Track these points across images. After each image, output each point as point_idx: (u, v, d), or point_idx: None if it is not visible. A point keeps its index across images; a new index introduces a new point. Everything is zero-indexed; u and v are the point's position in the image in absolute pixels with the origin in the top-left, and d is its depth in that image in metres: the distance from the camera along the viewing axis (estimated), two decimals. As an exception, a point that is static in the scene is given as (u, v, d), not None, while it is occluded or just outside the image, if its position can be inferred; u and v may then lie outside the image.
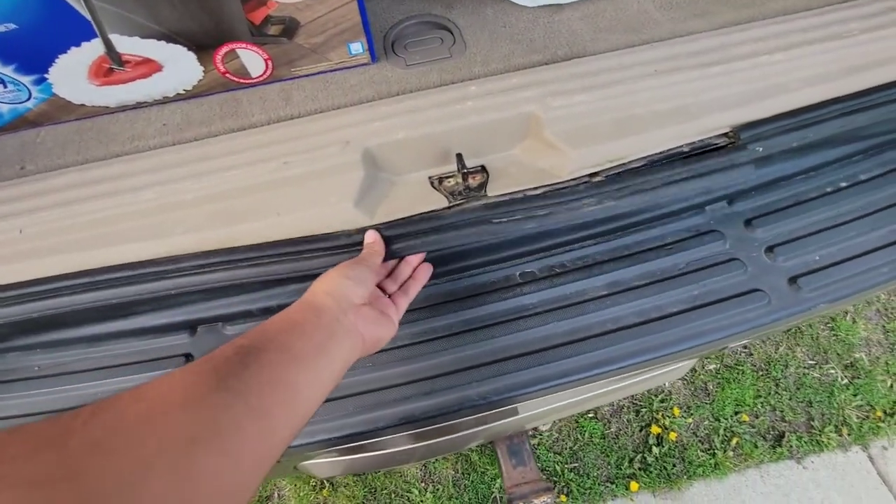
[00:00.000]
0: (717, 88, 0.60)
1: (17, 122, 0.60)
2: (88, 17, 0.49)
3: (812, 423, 1.29)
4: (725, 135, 0.59)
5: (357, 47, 0.61)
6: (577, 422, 1.32)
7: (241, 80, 0.62)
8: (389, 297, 0.52)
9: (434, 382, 0.58)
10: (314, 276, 0.58)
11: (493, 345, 0.60)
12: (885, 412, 1.29)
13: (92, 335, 0.62)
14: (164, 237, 0.56)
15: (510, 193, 0.57)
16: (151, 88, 0.60)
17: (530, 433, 1.30)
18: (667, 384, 1.36)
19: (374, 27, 0.68)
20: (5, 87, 0.55)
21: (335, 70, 0.63)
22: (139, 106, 0.62)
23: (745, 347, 1.40)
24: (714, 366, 1.37)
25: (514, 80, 0.61)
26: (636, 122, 0.59)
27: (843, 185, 0.70)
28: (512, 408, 0.64)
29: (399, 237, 0.56)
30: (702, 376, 1.36)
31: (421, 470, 1.28)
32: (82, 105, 0.60)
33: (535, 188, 0.58)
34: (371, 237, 0.54)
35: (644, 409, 1.32)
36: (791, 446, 1.26)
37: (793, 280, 0.63)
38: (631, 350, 0.60)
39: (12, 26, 0.48)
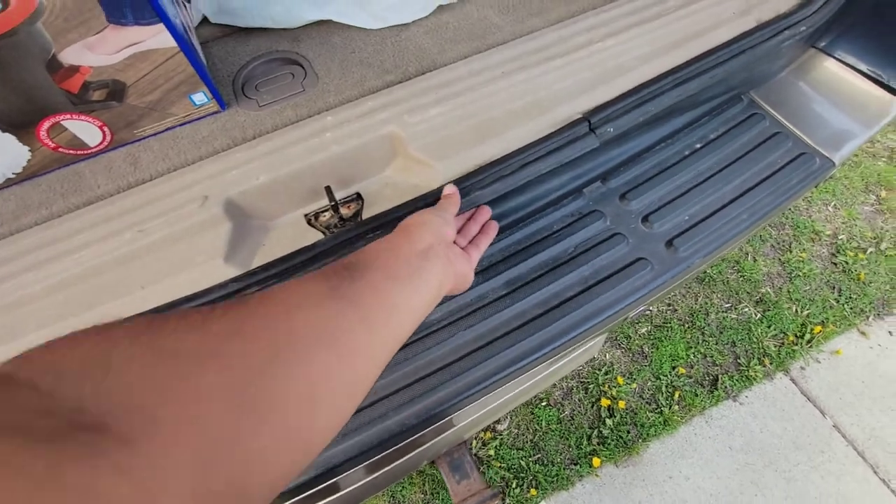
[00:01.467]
0: (563, 79, 0.63)
1: None
2: None
3: (739, 361, 1.39)
4: (579, 122, 0.62)
5: (200, 97, 0.58)
6: (532, 413, 1.34)
7: (79, 152, 0.57)
8: (463, 249, 0.54)
9: (354, 420, 0.56)
10: None
11: (403, 369, 0.59)
12: (796, 336, 1.42)
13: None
14: (15, 339, 0.50)
15: (384, 213, 0.57)
16: (-31, 179, 0.54)
17: (490, 434, 1.31)
18: (606, 356, 1.41)
19: (221, 72, 0.65)
20: None
21: (183, 124, 0.60)
22: (-39, 200, 0.56)
23: (668, 306, 1.49)
24: (646, 329, 1.45)
25: (369, 104, 0.61)
26: (495, 124, 0.61)
27: (698, 146, 0.76)
28: (442, 424, 0.63)
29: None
30: (637, 341, 1.42)
31: (388, 500, 1.24)
32: None
33: (407, 203, 0.57)
34: (450, 189, 0.55)
35: (591, 385, 1.37)
36: (726, 387, 1.35)
37: (669, 243, 0.67)
38: (538, 342, 0.61)
39: None
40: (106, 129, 0.56)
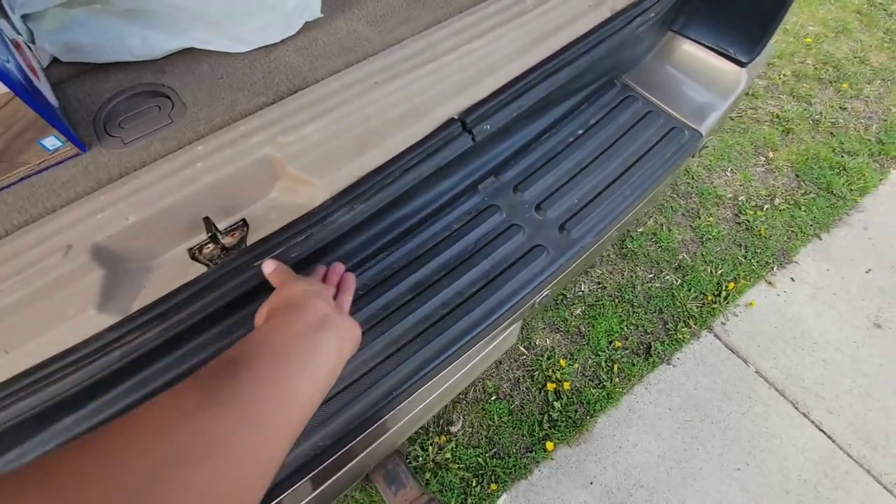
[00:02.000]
0: (436, 84, 0.65)
1: None
2: None
3: (667, 326, 1.47)
4: (452, 123, 0.63)
5: (52, 142, 0.55)
6: (483, 409, 1.35)
7: (-86, 217, 0.52)
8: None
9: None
10: (71, 402, 0.51)
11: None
12: (713, 295, 1.52)
13: None
14: None
15: (269, 237, 0.56)
16: None
17: (445, 437, 1.31)
18: (547, 342, 1.46)
19: (79, 112, 0.62)
20: None
21: (40, 171, 0.56)
22: None
23: (598, 284, 1.55)
24: (580, 309, 1.50)
25: (241, 129, 0.60)
26: (374, 135, 0.61)
27: (580, 132, 0.80)
28: (367, 436, 0.63)
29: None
30: (573, 322, 1.48)
31: (348, 525, 1.21)
32: None
33: (293, 223, 0.57)
34: (273, 265, 0.51)
35: (536, 372, 1.40)
36: (659, 353, 1.43)
37: (562, 228, 0.71)
38: (448, 339, 0.62)
39: None
40: (-57, 187, 0.51)
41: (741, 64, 0.83)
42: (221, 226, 0.58)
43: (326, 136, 0.60)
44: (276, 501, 0.58)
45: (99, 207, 0.54)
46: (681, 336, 1.46)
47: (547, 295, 0.72)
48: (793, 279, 1.57)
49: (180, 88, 0.63)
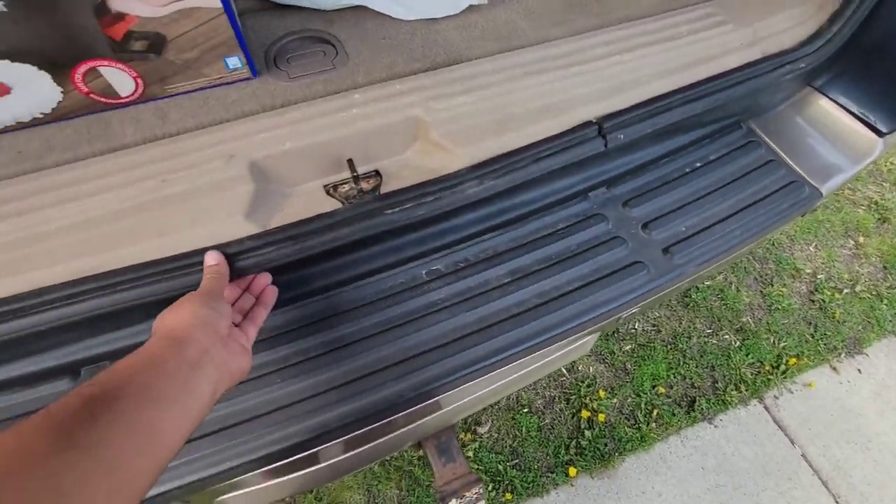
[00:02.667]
0: (580, 86, 0.67)
1: None
2: None
3: (716, 385, 1.43)
4: (590, 125, 0.65)
5: (234, 62, 0.60)
6: (513, 419, 1.35)
7: (109, 101, 0.58)
8: (237, 326, 0.48)
9: (349, 388, 0.57)
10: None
11: (406, 342, 0.61)
12: (772, 366, 1.46)
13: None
14: (26, 272, 0.50)
15: (402, 190, 0.59)
16: (3, 113, 0.55)
17: (470, 436, 1.31)
18: (590, 370, 1.44)
19: (254, 42, 0.67)
20: None
21: (214, 86, 0.62)
22: (-13, 134, 0.56)
23: (653, 326, 1.52)
24: (629, 346, 1.48)
25: (396, 87, 0.64)
26: (513, 120, 0.64)
27: (698, 164, 0.80)
28: (434, 402, 0.65)
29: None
30: (620, 357, 1.45)
31: (364, 495, 1.23)
32: (-86, 136, 0.53)
33: (424, 183, 0.60)
34: (213, 258, 0.50)
35: (573, 397, 1.39)
36: (702, 409, 1.38)
37: (666, 250, 0.71)
38: (536, 329, 0.63)
39: None
40: (140, 80, 0.58)
41: (879, 133, 0.81)
42: (359, 171, 0.62)
43: (472, 110, 0.63)
44: (331, 444, 0.61)
45: (261, 129, 0.59)
46: (729, 398, 1.41)
47: (634, 313, 0.72)
48: (859, 371, 1.49)
49: (345, 40, 0.68)
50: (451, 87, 0.64)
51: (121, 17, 0.51)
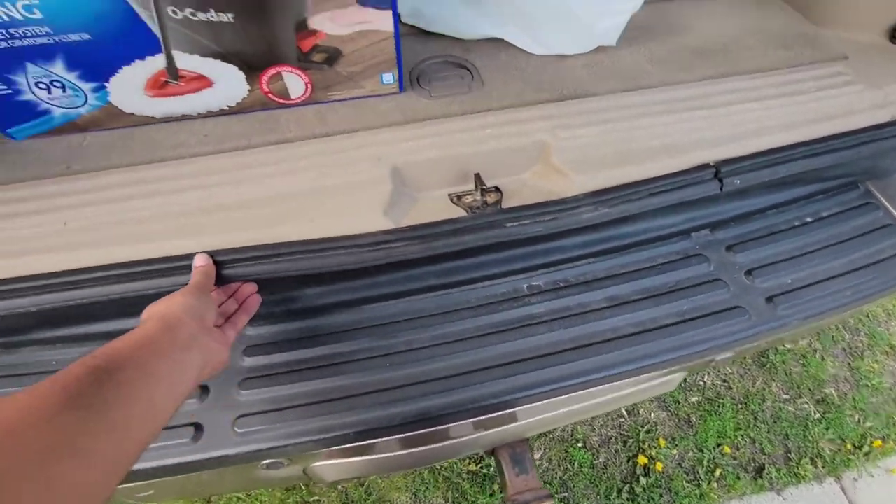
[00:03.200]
0: (702, 129, 0.70)
1: (66, 126, 0.64)
2: (158, 34, 0.55)
3: (789, 455, 1.34)
4: (707, 167, 0.67)
5: (389, 77, 0.68)
6: (566, 451, 1.33)
7: (281, 101, 0.68)
8: (218, 327, 0.53)
9: (450, 382, 0.62)
10: (343, 274, 0.63)
11: (506, 348, 0.65)
12: (854, 445, 1.35)
13: (114, 331, 0.64)
14: (202, 236, 0.59)
15: (524, 206, 0.64)
16: (199, 102, 0.65)
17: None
18: (651, 416, 1.40)
19: (403, 62, 0.76)
20: (64, 91, 0.60)
21: (367, 97, 0.70)
22: (183, 118, 0.67)
23: (724, 381, 1.46)
24: (696, 398, 1.42)
25: (526, 114, 0.69)
26: (633, 155, 0.67)
27: (809, 219, 0.79)
28: (519, 410, 0.67)
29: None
30: (685, 408, 1.40)
31: (411, 498, 1.26)
32: (132, 114, 0.65)
33: (543, 203, 0.64)
34: (201, 260, 0.56)
35: (631, 440, 1.35)
36: (771, 478, 1.30)
37: (769, 299, 0.70)
38: (629, 356, 0.65)
39: (86, 36, 0.54)
40: (310, 86, 0.67)
41: None
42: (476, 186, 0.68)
43: (594, 142, 0.67)
44: (421, 432, 0.65)
45: (405, 138, 0.67)
46: (802, 472, 1.32)
47: (728, 357, 0.71)
48: (958, 469, 1.34)
49: (481, 67, 0.75)
50: (576, 119, 0.69)
51: (313, 32, 0.60)
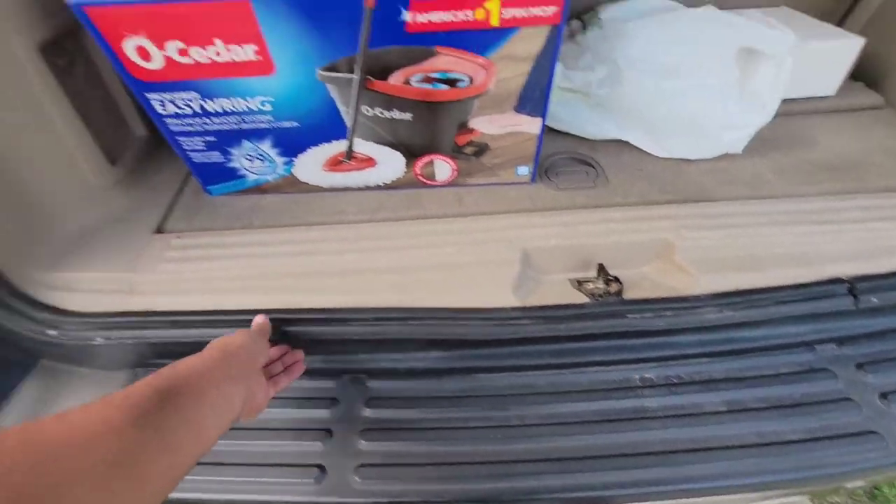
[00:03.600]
0: (830, 243, 0.70)
1: (253, 188, 0.78)
2: (349, 125, 0.68)
3: None
4: (841, 282, 0.67)
5: (524, 170, 0.76)
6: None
7: (427, 182, 0.78)
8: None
9: (563, 464, 0.62)
10: (467, 343, 0.68)
11: (618, 439, 0.65)
12: None
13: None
14: (358, 293, 0.68)
15: (646, 300, 0.66)
16: (361, 179, 0.77)
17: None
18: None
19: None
20: (262, 162, 0.73)
21: (501, 184, 0.79)
22: (344, 189, 0.79)
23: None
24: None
25: (649, 212, 0.74)
26: (757, 261, 0.69)
27: (955, 348, 0.74)
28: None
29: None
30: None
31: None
32: (305, 183, 0.77)
33: (666, 298, 0.67)
34: (260, 319, 0.62)
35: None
36: None
37: (912, 428, 0.65)
38: (753, 468, 0.62)
39: (295, 124, 0.67)
40: (455, 172, 0.76)
41: None
42: (594, 275, 0.72)
43: (718, 244, 0.70)
44: None
45: (534, 224, 0.73)
46: None
47: (859, 486, 0.66)
48: None
49: (605, 165, 0.81)
50: (699, 221, 0.72)
51: (470, 130, 0.70)
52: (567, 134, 0.87)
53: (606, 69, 0.79)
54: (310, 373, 0.71)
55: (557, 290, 0.71)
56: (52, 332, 0.65)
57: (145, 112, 0.80)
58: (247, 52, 0.57)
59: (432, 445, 0.65)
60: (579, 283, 0.71)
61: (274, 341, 0.64)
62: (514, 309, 0.66)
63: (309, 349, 0.69)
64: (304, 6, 0.53)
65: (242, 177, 0.76)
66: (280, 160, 0.73)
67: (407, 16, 0.54)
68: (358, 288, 0.68)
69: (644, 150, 0.83)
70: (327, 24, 0.55)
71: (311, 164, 0.74)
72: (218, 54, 0.57)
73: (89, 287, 0.68)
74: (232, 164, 0.73)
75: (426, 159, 0.74)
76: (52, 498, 0.26)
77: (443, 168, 0.75)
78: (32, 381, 0.70)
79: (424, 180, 0.78)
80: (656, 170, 0.80)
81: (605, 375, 0.71)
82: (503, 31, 0.56)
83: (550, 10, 0.54)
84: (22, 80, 0.60)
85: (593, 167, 0.82)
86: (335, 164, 0.74)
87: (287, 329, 0.67)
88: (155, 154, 0.84)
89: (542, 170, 0.82)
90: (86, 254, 0.70)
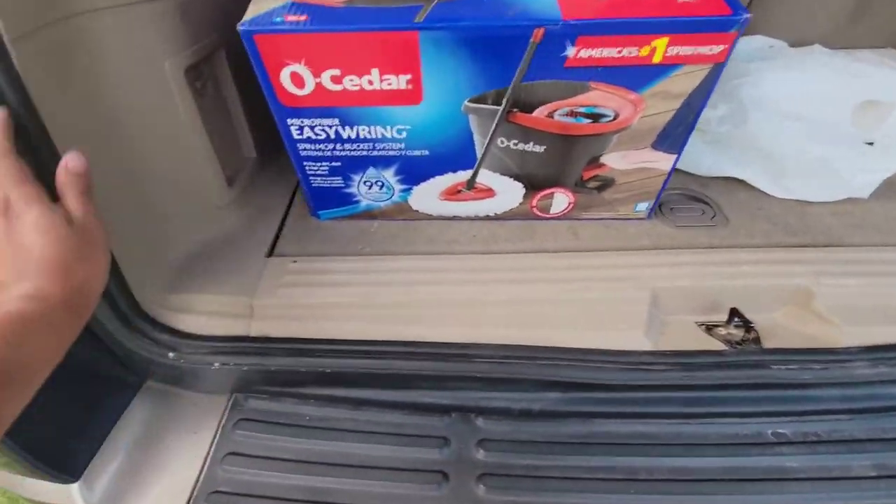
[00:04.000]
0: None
1: (366, 213, 0.77)
2: (479, 156, 0.66)
3: None
4: None
5: (643, 206, 0.74)
6: None
7: (541, 214, 0.76)
8: None
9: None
10: (591, 386, 0.64)
11: (758, 501, 0.60)
12: None
13: (360, 399, 0.69)
14: (480, 327, 0.65)
15: (788, 350, 0.62)
16: (475, 208, 0.75)
17: None
18: None
19: (643, 191, 0.82)
20: (380, 189, 0.72)
21: (617, 219, 0.76)
22: (454, 217, 0.77)
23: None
24: None
25: (778, 255, 0.70)
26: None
27: None
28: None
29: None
30: None
31: None
32: (416, 210, 0.76)
33: (812, 349, 0.62)
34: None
35: None
36: None
37: None
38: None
39: (425, 153, 0.66)
40: (572, 205, 0.74)
41: None
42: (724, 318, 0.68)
43: (861, 293, 0.66)
44: None
45: (656, 263, 0.70)
46: None
47: None
48: None
49: (722, 204, 0.79)
50: (835, 267, 0.69)
51: (600, 165, 0.68)
52: (679, 171, 0.85)
53: (728, 107, 0.77)
54: (414, 407, 0.68)
55: (688, 335, 0.67)
56: (171, 355, 0.63)
57: (258, 134, 0.82)
58: (400, 82, 0.56)
59: (558, 496, 0.61)
60: (708, 328, 0.68)
61: None
62: (646, 353, 0.63)
63: (415, 383, 0.67)
64: (469, 40, 0.52)
65: (356, 202, 0.75)
66: (398, 187, 0.72)
67: (570, 51, 0.53)
68: (476, 321, 0.66)
69: (760, 188, 0.80)
70: (487, 57, 0.54)
71: (429, 193, 0.72)
72: (370, 83, 0.56)
73: (207, 309, 0.66)
74: (349, 190, 0.72)
75: (547, 192, 0.72)
76: None
77: (560, 201, 0.74)
78: (140, 403, 0.68)
79: (538, 212, 0.76)
80: (777, 210, 0.77)
81: (735, 428, 0.66)
82: (664, 69, 0.55)
83: (717, 49, 0.53)
84: (169, 102, 0.61)
85: (708, 205, 0.79)
86: (453, 193, 0.72)
87: (400, 363, 0.65)
88: (261, 175, 0.84)
89: (657, 206, 0.79)
90: (203, 275, 0.69)
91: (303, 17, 0.52)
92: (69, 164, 0.39)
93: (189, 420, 0.69)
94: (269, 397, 0.71)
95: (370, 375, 0.66)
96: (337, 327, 0.66)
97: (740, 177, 0.81)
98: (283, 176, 0.85)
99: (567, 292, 0.67)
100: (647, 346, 0.63)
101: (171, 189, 0.66)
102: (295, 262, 0.71)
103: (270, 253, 0.74)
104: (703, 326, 0.68)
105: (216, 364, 0.64)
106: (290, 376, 0.68)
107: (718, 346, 0.64)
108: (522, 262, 0.72)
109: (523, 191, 0.72)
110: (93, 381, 0.64)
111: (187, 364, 0.64)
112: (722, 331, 0.67)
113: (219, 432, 0.67)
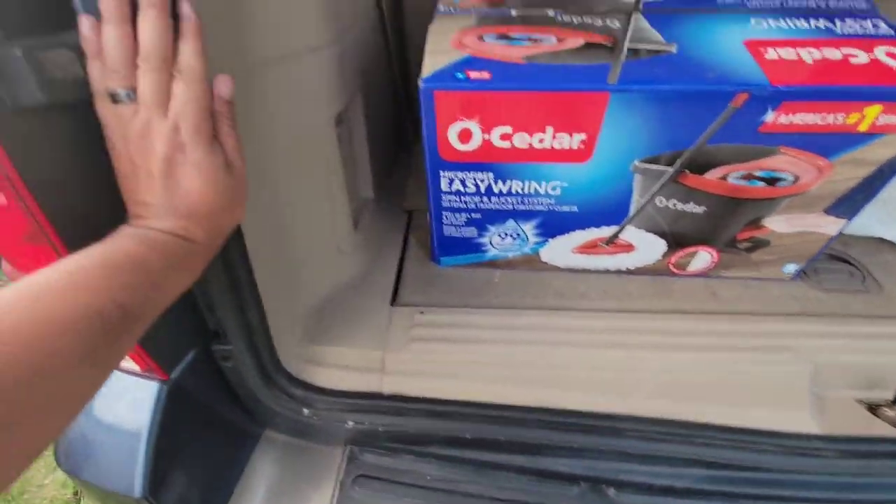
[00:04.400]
0: None
1: (490, 262, 0.73)
2: (630, 213, 0.63)
3: None
4: None
5: (791, 267, 0.69)
6: None
7: (677, 271, 0.72)
8: None
9: None
10: (745, 468, 0.59)
11: None
12: None
13: (485, 461, 0.66)
14: (614, 396, 0.61)
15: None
16: (609, 262, 0.71)
17: None
18: None
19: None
20: (514, 240, 0.69)
21: (758, 279, 0.71)
22: (582, 270, 0.73)
23: None
24: None
25: (946, 329, 0.65)
26: None
27: None
28: None
29: None
30: None
31: None
32: (544, 262, 0.72)
33: None
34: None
35: None
36: None
37: None
38: None
39: (574, 209, 0.62)
40: (714, 264, 0.70)
41: None
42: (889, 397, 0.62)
43: None
44: None
45: (811, 331, 0.65)
46: None
47: None
48: None
49: (869, 266, 0.73)
50: None
51: (760, 227, 0.63)
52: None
53: (883, 164, 0.72)
54: (541, 474, 0.64)
55: (855, 416, 0.62)
56: (306, 411, 0.61)
57: (376, 176, 0.79)
58: (573, 141, 0.53)
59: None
60: (872, 408, 0.63)
61: None
62: (814, 437, 0.58)
63: (548, 451, 0.63)
64: (662, 101, 0.49)
65: (483, 252, 0.71)
66: (534, 240, 0.68)
67: (769, 116, 0.49)
68: (623, 390, 0.62)
69: (912, 251, 0.75)
70: (674, 119, 0.50)
71: (564, 246, 0.69)
72: (541, 141, 0.53)
73: (339, 362, 0.64)
74: (481, 240, 0.69)
75: (690, 249, 0.68)
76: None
77: (702, 259, 0.69)
78: (261, 455, 0.66)
79: (675, 270, 0.71)
80: (932, 277, 0.72)
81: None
82: (866, 137, 0.50)
83: (932, 120, 0.48)
84: (321, 149, 0.58)
85: (856, 267, 0.74)
86: (590, 247, 0.69)
87: (542, 432, 0.61)
88: (376, 217, 0.82)
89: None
90: (333, 326, 0.67)
91: (486, 75, 0.49)
92: (222, 90, 0.36)
93: (311, 474, 0.66)
94: (387, 452, 0.68)
95: (506, 441, 0.62)
96: (474, 388, 0.62)
97: (886, 237, 0.75)
98: (396, 216, 0.83)
99: (718, 361, 0.63)
100: (814, 428, 0.58)
101: (307, 234, 0.63)
102: (422, 312, 0.68)
103: (394, 300, 0.71)
104: (868, 405, 0.63)
105: (350, 423, 0.61)
106: (418, 436, 0.64)
107: (889, 430, 0.59)
108: (663, 325, 0.67)
109: (665, 248, 0.68)
110: (219, 433, 0.62)
111: (320, 421, 0.61)
112: (889, 413, 0.61)
113: (337, 488, 0.64)
